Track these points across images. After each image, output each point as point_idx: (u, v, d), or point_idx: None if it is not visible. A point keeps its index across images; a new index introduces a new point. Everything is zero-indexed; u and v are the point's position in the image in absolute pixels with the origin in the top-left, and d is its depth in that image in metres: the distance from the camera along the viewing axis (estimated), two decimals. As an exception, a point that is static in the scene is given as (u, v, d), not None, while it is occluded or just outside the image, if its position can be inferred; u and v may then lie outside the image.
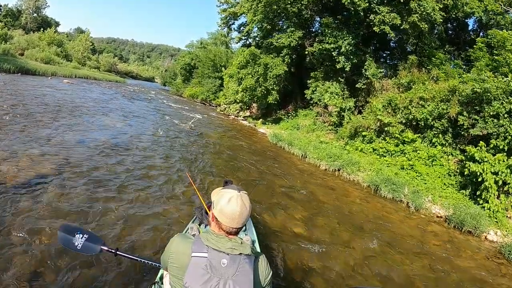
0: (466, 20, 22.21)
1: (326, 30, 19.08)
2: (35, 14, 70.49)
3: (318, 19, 23.34)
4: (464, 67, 18.33)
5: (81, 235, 2.86)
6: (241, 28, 30.62)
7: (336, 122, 19.02)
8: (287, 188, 9.83)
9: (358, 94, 19.83)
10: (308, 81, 21.27)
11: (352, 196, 10.72)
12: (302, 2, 20.65)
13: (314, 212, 8.27)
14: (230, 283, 1.76)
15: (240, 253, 1.83)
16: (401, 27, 17.36)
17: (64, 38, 60.39)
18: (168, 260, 1.96)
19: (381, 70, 18.58)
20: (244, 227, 3.95)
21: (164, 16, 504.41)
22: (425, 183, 12.20)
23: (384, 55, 24.38)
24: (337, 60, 18.75)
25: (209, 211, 2.09)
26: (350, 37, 18.40)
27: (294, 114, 23.81)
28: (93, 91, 27.76)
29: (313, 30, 24.47)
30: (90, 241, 2.87)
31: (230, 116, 29.90)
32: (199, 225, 4.25)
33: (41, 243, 4.45)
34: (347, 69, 18.66)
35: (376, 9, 17.36)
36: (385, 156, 14.91)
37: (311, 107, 22.71)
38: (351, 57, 18.66)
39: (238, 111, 29.41)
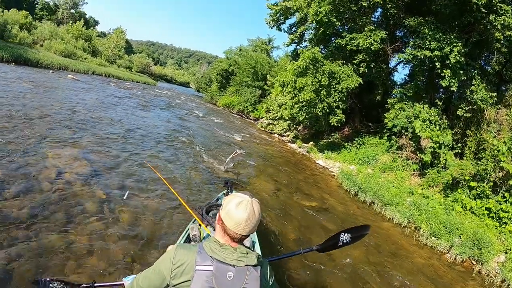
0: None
1: (426, 31, 13.52)
2: (72, 10, 69.96)
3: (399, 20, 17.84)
4: None
5: (56, 285, 2.67)
6: (293, 29, 25.62)
7: (428, 161, 13.38)
8: None
9: (455, 124, 14.28)
10: (389, 101, 15.74)
11: None
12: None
13: None
14: None
15: (246, 265, 1.76)
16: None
17: (93, 33, 57.68)
18: (172, 272, 1.77)
19: (493, 94, 13.00)
20: None
21: (204, 23, 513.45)
22: None
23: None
24: (442, 74, 13.15)
25: (202, 224, 2.92)
26: (460, 44, 12.84)
27: (360, 142, 18.03)
28: (97, 92, 22.78)
29: (397, 31, 19.03)
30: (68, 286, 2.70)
31: (274, 135, 24.73)
32: (199, 225, 4.26)
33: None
34: (454, 88, 13.07)
35: (498, 7, 12.03)
36: (507, 224, 9.70)
37: (381, 134, 17.23)
38: (460, 71, 13.05)
39: (285, 130, 24.21)
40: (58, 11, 66.86)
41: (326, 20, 16.82)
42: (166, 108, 25.21)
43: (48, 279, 2.78)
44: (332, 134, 21.37)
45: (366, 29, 16.02)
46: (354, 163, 16.10)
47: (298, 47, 24.98)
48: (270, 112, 26.69)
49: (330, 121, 17.42)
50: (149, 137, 12.70)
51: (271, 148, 18.73)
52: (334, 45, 18.42)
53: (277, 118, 24.92)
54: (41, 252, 4.18)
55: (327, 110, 17.17)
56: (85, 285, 2.66)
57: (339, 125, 18.07)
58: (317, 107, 16.93)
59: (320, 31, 18.88)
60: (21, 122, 9.44)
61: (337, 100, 16.86)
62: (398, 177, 13.73)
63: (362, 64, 16.45)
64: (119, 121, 14.10)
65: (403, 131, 14.54)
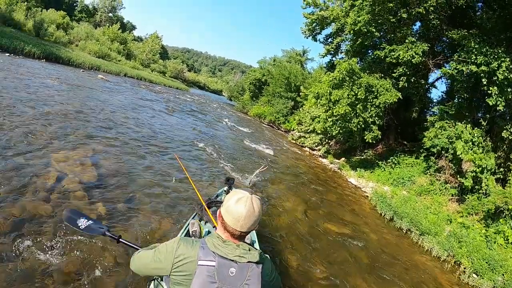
0: None
1: (472, 44, 12.76)
2: (110, 14, 72.74)
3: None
4: None
5: (86, 220, 2.82)
6: (329, 40, 25.08)
7: (468, 187, 12.43)
8: None
9: (498, 147, 13.28)
10: (428, 119, 14.93)
11: None
12: (430, 1, 14.62)
13: None
14: None
15: (249, 261, 1.77)
16: None
17: (128, 36, 59.00)
18: (173, 265, 1.81)
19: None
20: None
21: (239, 32, 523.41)
22: None
23: None
24: (489, 91, 12.33)
25: (208, 210, 2.96)
26: (508, 59, 11.99)
27: (395, 161, 17.09)
28: (125, 93, 22.81)
29: (436, 45, 18.12)
30: (94, 225, 2.81)
31: (305, 148, 24.08)
32: (200, 221, 4.27)
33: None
34: (501, 107, 12.21)
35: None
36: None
37: (418, 154, 16.28)
38: (508, 89, 12.18)
39: (316, 144, 23.53)
40: (97, 14, 69.21)
41: (365, 30, 16.21)
42: (195, 114, 24.87)
43: (77, 210, 2.99)
44: (365, 151, 20.57)
45: (407, 40, 15.28)
46: (388, 184, 15.27)
47: (333, 58, 24.42)
48: (302, 125, 26.20)
49: (365, 138, 16.71)
50: (173, 143, 12.27)
51: (301, 163, 18.05)
52: (372, 57, 17.75)
53: (309, 131, 24.33)
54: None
55: (363, 126, 16.46)
56: (110, 235, 2.71)
57: (373, 142, 17.24)
58: (352, 122, 16.21)
59: (358, 42, 18.27)
60: (36, 118, 9.13)
61: (374, 115, 16.12)
62: (435, 202, 12.86)
63: (402, 78, 15.68)
64: (142, 124, 13.71)
65: (443, 152, 13.69)
